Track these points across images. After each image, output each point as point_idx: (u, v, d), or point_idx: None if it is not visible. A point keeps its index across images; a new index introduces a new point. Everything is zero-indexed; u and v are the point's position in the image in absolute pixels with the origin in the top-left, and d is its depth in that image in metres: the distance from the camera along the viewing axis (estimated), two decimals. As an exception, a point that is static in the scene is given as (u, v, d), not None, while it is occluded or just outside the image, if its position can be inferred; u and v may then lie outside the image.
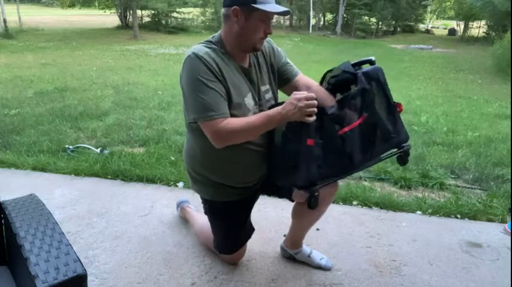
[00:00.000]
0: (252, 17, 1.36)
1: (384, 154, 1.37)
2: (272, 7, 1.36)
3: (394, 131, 1.37)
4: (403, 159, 1.41)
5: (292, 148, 1.35)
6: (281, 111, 1.30)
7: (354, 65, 1.44)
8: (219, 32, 1.48)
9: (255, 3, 1.33)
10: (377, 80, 1.36)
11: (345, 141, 1.32)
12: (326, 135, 1.33)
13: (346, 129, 1.33)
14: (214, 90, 1.34)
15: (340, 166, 1.34)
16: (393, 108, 1.38)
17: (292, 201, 1.71)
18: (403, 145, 1.39)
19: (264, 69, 1.56)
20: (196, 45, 1.43)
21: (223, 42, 1.45)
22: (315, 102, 1.27)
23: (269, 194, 1.78)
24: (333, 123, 1.33)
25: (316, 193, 1.34)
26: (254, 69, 1.52)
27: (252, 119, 1.37)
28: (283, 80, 1.61)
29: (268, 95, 1.56)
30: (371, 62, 1.44)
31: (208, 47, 1.41)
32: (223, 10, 1.41)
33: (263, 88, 1.54)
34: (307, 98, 1.26)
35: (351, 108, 1.35)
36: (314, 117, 1.28)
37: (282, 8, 1.38)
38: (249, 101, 1.45)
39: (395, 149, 1.38)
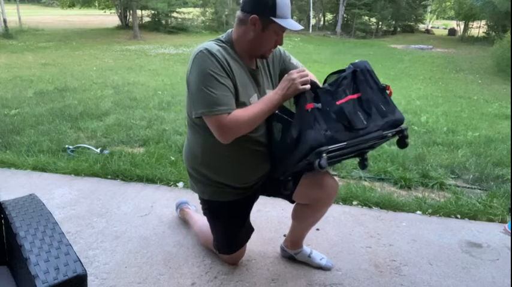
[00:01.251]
0: (269, 28, 1.39)
1: (385, 132, 1.38)
2: (289, 24, 1.38)
3: (388, 110, 1.41)
4: (402, 141, 1.44)
5: (293, 128, 1.36)
6: (278, 91, 1.39)
7: None
8: (229, 31, 1.49)
9: (275, 17, 1.36)
10: (365, 68, 1.42)
11: (343, 109, 1.34)
12: (323, 103, 1.36)
13: (341, 101, 1.36)
14: (225, 86, 1.34)
15: (344, 131, 1.34)
16: (383, 91, 1.43)
17: (292, 203, 1.71)
18: (401, 127, 1.42)
19: (268, 73, 1.58)
20: (207, 42, 1.44)
21: (233, 42, 1.46)
22: (307, 73, 1.37)
23: (269, 195, 1.78)
24: (327, 95, 1.37)
25: (324, 155, 1.29)
26: (260, 71, 1.54)
27: (255, 107, 1.38)
28: None
29: None
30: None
31: (219, 45, 1.42)
32: (240, 14, 1.42)
33: (268, 91, 1.54)
34: (299, 71, 1.38)
35: (343, 88, 1.38)
36: (309, 86, 1.35)
37: (298, 27, 1.41)
38: (254, 101, 1.46)
39: (394, 130, 1.40)
